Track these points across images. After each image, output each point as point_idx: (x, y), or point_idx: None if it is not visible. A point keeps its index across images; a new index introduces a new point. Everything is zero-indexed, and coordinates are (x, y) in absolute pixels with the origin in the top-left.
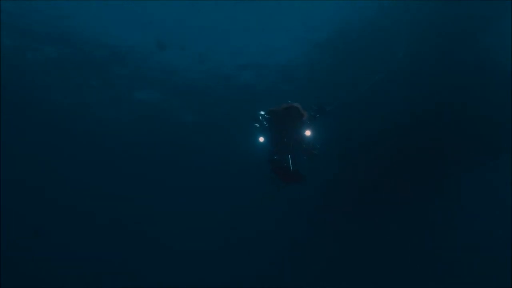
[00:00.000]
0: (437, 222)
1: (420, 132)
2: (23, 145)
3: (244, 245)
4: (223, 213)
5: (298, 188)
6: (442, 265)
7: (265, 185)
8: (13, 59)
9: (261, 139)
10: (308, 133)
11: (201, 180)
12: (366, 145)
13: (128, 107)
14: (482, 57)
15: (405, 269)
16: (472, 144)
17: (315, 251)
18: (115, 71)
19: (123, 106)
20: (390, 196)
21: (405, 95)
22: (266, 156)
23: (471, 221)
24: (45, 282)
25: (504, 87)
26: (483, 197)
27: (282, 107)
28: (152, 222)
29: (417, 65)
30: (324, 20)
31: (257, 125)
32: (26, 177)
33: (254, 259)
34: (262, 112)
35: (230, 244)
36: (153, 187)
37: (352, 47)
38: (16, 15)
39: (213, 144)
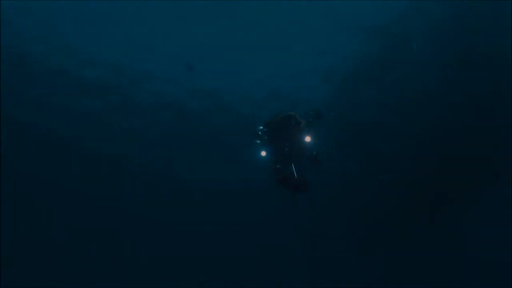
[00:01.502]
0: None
1: (441, 143)
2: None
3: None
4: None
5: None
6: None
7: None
8: None
9: (263, 153)
10: (308, 139)
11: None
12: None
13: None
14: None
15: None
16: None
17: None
18: None
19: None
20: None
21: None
22: (270, 167)
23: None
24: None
25: None
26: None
27: (278, 118)
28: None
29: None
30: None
31: (258, 141)
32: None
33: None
34: (261, 127)
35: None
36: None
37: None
38: None
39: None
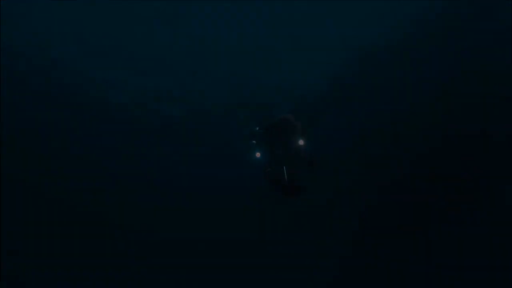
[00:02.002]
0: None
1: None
2: None
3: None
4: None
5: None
6: None
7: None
8: None
9: (258, 154)
10: (301, 142)
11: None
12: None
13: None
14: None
15: None
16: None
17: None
18: None
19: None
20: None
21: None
22: (263, 169)
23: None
24: None
25: None
26: None
27: (275, 120)
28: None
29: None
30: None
31: (254, 142)
32: None
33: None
34: (257, 128)
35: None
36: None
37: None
38: None
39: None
